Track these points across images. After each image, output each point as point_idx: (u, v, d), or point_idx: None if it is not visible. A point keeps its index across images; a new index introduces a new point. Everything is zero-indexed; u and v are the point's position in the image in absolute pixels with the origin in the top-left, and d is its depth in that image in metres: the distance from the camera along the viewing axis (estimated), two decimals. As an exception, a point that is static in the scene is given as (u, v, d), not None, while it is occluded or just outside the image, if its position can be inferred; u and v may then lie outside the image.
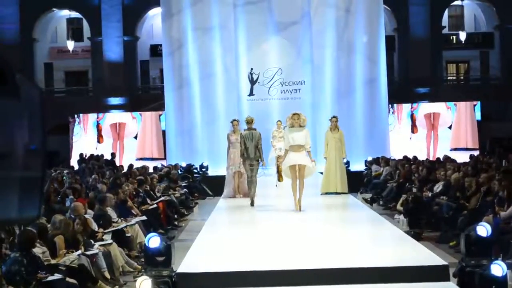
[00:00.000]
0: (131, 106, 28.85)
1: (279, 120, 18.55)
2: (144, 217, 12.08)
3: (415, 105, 26.17)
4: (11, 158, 1.87)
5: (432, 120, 25.71)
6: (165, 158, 24.09)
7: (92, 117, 26.40)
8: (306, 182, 12.60)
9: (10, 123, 1.88)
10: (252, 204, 13.85)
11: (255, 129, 14.13)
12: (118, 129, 25.86)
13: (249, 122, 14.20)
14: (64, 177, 16.15)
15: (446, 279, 7.58)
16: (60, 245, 8.58)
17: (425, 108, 26.20)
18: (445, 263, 7.82)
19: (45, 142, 2.03)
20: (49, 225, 8.97)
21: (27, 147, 1.92)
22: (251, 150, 13.85)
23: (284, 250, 8.80)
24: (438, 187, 13.93)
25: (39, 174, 1.98)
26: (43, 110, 2.03)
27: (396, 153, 22.64)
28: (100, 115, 26.41)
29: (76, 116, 26.32)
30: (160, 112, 25.65)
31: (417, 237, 11.18)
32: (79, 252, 8.56)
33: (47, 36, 32.21)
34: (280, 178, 14.50)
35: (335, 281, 7.48)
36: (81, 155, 24.36)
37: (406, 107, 25.98)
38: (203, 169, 21.88)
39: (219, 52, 23.13)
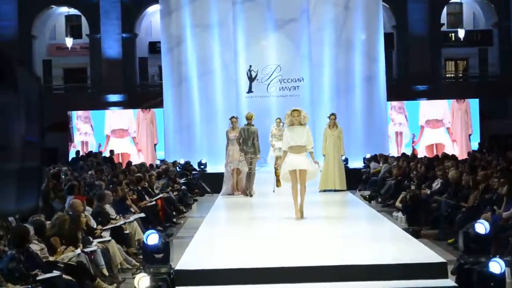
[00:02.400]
0: (130, 103, 28.84)
1: (278, 118, 18.16)
2: (142, 214, 12.09)
3: (416, 138, 25.18)
4: (9, 150, 1.87)
5: (436, 151, 24.29)
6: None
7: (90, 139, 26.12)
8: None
9: (8, 115, 1.87)
10: (250, 195, 14.76)
11: (252, 125, 15.06)
12: (120, 159, 25.18)
13: (248, 118, 15.14)
14: (63, 175, 16.13)
15: (445, 276, 7.59)
16: (56, 245, 8.56)
17: (428, 139, 25.32)
18: (443, 260, 7.83)
19: (43, 133, 2.02)
20: (48, 222, 8.97)
21: (25, 138, 1.92)
22: (247, 145, 14.80)
23: (282, 247, 8.80)
24: (436, 185, 13.93)
25: (37, 165, 1.97)
26: (41, 101, 2.02)
27: (394, 151, 22.65)
28: (102, 147, 25.79)
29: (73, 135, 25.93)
30: (155, 141, 25.54)
31: (416, 234, 11.17)
32: (79, 251, 8.55)
33: (45, 33, 32.17)
34: (278, 183, 12.65)
35: (334, 278, 7.49)
36: (77, 152, 24.33)
37: (406, 136, 25.35)
38: (202, 166, 21.87)
39: (218, 49, 23.12)
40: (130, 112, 26.56)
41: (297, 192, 11.04)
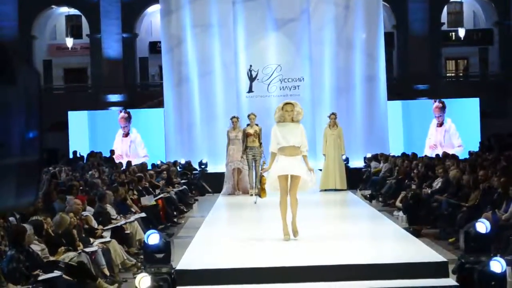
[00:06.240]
0: (130, 103, 28.86)
1: None
2: (143, 214, 12.09)
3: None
4: (8, 146, 1.87)
5: None
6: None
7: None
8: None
9: (7, 109, 1.87)
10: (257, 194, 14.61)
11: (256, 125, 15.44)
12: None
13: (251, 118, 15.50)
14: (63, 175, 16.14)
15: (445, 275, 7.59)
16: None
17: None
18: (444, 259, 7.83)
19: (42, 126, 2.02)
20: (48, 219, 8.98)
21: (24, 133, 1.92)
22: (252, 143, 15.07)
23: (283, 246, 8.80)
24: (437, 184, 13.93)
25: (36, 158, 1.97)
26: (40, 94, 2.02)
27: (395, 150, 22.62)
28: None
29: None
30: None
31: (416, 233, 11.18)
32: (79, 251, 8.56)
33: (46, 33, 32.21)
34: (262, 193, 10.08)
35: (335, 278, 7.49)
36: (74, 152, 24.33)
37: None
38: (202, 166, 21.87)
39: (218, 49, 23.10)
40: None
41: (286, 205, 9.08)
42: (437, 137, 25.29)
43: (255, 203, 11.11)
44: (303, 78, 22.90)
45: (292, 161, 8.98)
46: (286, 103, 9.27)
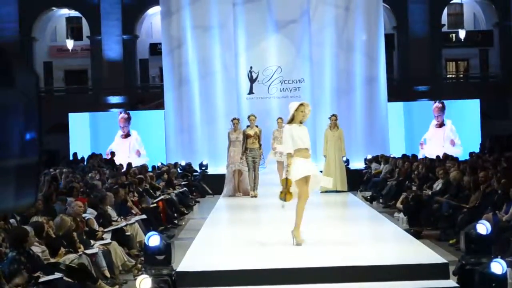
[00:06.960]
0: (131, 105, 28.88)
1: (280, 118, 16.52)
2: (143, 216, 12.08)
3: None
4: (8, 147, 1.87)
5: None
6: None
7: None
8: None
9: (6, 111, 1.87)
10: (255, 196, 14.98)
11: (256, 126, 15.28)
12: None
13: (252, 120, 15.32)
14: (63, 177, 16.13)
15: (446, 277, 7.58)
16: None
17: None
18: (445, 261, 7.82)
19: (41, 127, 2.02)
20: (51, 222, 8.98)
21: (24, 134, 1.92)
22: (252, 145, 15.01)
23: (284, 248, 8.79)
24: (437, 185, 13.93)
25: (35, 160, 1.97)
26: (39, 95, 2.03)
27: (396, 151, 22.64)
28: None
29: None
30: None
31: (417, 235, 11.17)
32: (80, 253, 8.56)
33: (46, 35, 32.24)
34: (288, 195, 8.97)
35: (335, 279, 7.48)
36: (74, 154, 24.33)
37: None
38: (203, 168, 21.87)
39: (219, 50, 23.12)
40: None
41: (303, 210, 8.89)
42: (437, 137, 25.33)
43: (283, 207, 10.11)
44: (303, 80, 22.92)
45: (308, 162, 8.86)
46: (301, 104, 8.92)
